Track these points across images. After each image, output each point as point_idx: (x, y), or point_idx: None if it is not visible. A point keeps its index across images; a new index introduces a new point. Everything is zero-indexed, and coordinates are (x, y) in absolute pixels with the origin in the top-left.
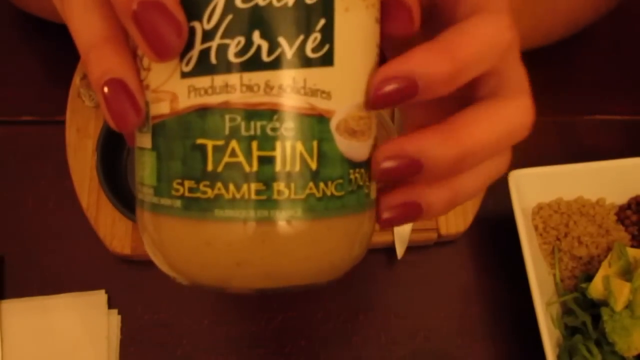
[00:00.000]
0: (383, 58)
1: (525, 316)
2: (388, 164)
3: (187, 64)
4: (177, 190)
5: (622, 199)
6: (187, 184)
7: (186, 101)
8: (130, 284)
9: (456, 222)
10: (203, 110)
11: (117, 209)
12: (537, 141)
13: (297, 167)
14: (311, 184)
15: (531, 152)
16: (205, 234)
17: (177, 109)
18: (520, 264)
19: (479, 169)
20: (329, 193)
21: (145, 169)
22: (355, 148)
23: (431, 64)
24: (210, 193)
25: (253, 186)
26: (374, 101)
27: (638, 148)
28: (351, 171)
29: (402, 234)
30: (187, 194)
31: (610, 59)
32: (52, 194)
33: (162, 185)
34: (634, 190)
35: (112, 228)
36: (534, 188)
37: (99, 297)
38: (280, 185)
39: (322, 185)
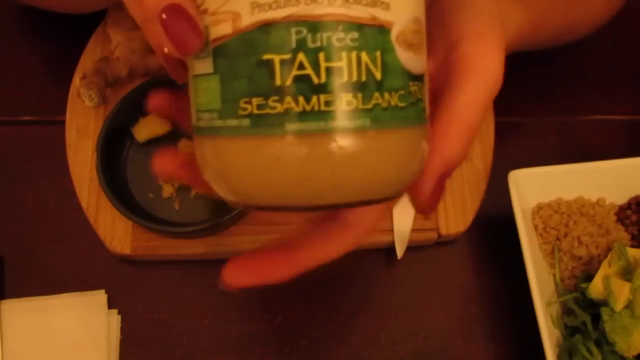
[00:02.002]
0: None
1: (525, 316)
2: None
3: None
4: (245, 109)
5: (622, 199)
6: (255, 101)
7: (249, 18)
8: (130, 284)
9: (456, 222)
10: (268, 26)
11: (117, 209)
12: (537, 141)
13: (364, 77)
14: (377, 94)
15: (531, 152)
16: (275, 149)
17: (240, 27)
18: (520, 264)
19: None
20: (393, 103)
21: (205, 95)
22: (413, 60)
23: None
24: (279, 108)
25: (322, 97)
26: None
27: (638, 148)
28: (411, 83)
29: (402, 234)
30: (255, 111)
31: (610, 59)
32: (52, 194)
33: (227, 107)
34: (634, 190)
35: (112, 228)
36: (533, 188)
37: (99, 297)
38: (348, 96)
39: (387, 95)
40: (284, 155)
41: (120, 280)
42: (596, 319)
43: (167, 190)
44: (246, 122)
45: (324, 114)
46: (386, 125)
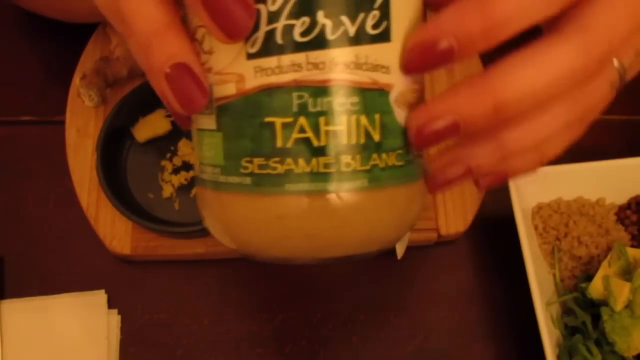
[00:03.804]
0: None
1: (525, 316)
2: (423, 130)
3: (253, 45)
4: (246, 167)
5: (622, 199)
6: (257, 161)
7: (253, 81)
8: (130, 284)
9: (456, 222)
10: (270, 90)
11: (117, 209)
12: None
13: (362, 140)
14: (375, 155)
15: None
16: (276, 208)
17: (243, 89)
18: (520, 264)
19: (538, 121)
20: (390, 163)
21: (208, 150)
22: None
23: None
24: (280, 168)
25: (322, 160)
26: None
27: (638, 148)
28: (408, 142)
29: None
30: (256, 170)
31: None
32: (52, 194)
33: (229, 164)
34: (634, 190)
35: (112, 228)
36: (533, 188)
37: (99, 297)
38: (347, 158)
39: (384, 155)
40: (285, 214)
41: (120, 280)
42: (596, 319)
43: (167, 190)
44: (248, 180)
45: (323, 175)
46: (384, 184)
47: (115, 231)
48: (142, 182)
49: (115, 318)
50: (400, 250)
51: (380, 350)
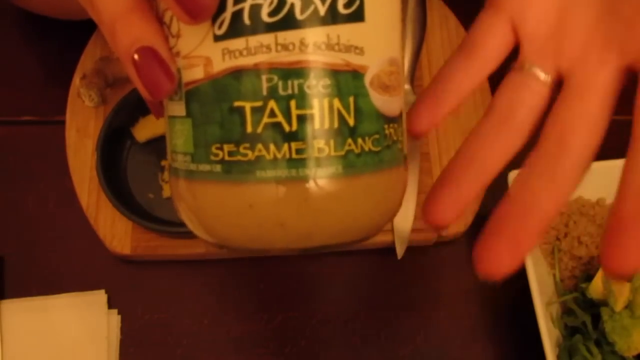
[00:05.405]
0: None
1: (525, 316)
2: None
3: (220, 27)
4: (216, 154)
5: None
6: (227, 147)
7: (221, 64)
8: (130, 284)
9: (456, 222)
10: (239, 72)
11: (117, 209)
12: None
13: (336, 124)
14: (350, 140)
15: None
16: (247, 196)
17: (211, 73)
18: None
19: None
20: (366, 149)
21: (179, 137)
22: (388, 102)
23: None
24: (250, 155)
25: (294, 145)
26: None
27: None
28: (386, 126)
29: (402, 234)
30: (227, 157)
31: None
32: (52, 194)
33: (199, 152)
34: None
35: (112, 228)
36: None
37: (99, 297)
38: (320, 143)
39: (360, 141)
40: (256, 202)
41: (120, 280)
42: (596, 319)
43: (167, 190)
44: (218, 168)
45: (296, 162)
46: (359, 170)
47: (115, 231)
48: (142, 182)
49: (115, 318)
50: (400, 250)
51: (380, 350)
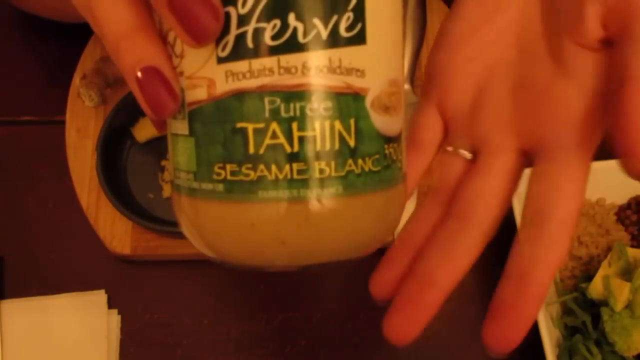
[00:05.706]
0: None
1: None
2: None
3: (223, 49)
4: (219, 174)
5: (622, 199)
6: (229, 167)
7: (224, 86)
8: (130, 284)
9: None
10: (242, 94)
11: (117, 209)
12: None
13: (337, 145)
14: (350, 161)
15: None
16: (249, 215)
17: (215, 94)
18: None
19: None
20: (367, 169)
21: (182, 155)
22: (388, 123)
23: None
24: (253, 175)
25: (295, 166)
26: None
27: None
28: (386, 146)
29: None
30: (229, 177)
31: None
32: (52, 194)
33: (202, 170)
34: (634, 190)
35: (112, 228)
36: None
37: (99, 297)
38: (321, 164)
39: (360, 161)
40: (258, 221)
41: (120, 280)
42: (596, 319)
43: (167, 190)
44: (220, 187)
45: (297, 182)
46: (360, 190)
47: (115, 231)
48: (142, 182)
49: (115, 318)
50: None
51: (380, 350)
